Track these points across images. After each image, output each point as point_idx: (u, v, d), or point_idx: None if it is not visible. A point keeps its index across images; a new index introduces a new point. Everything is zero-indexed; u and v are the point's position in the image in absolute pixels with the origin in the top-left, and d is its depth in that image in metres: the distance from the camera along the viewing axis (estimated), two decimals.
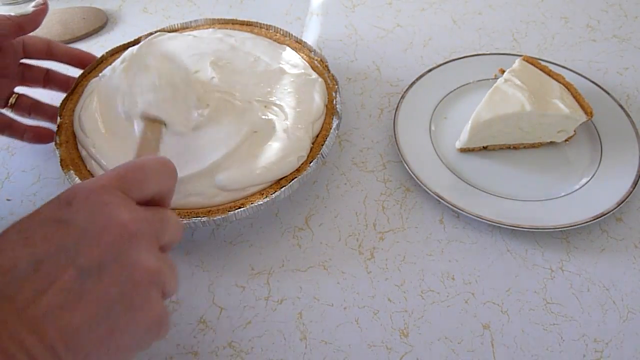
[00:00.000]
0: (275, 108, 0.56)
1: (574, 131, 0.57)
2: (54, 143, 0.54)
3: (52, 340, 0.24)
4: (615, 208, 0.51)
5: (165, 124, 0.49)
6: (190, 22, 0.67)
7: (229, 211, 0.48)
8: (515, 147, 0.58)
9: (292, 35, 0.65)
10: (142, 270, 0.28)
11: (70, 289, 0.25)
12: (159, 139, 0.44)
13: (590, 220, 0.50)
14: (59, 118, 0.57)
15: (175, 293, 0.32)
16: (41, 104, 0.59)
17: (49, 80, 0.59)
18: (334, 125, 0.55)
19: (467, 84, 0.64)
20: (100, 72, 0.61)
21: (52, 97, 0.60)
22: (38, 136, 0.59)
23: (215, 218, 0.47)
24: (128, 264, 0.27)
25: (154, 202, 0.32)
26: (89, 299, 0.25)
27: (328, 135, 0.54)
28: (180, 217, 0.48)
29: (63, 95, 0.58)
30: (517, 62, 0.59)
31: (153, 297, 0.28)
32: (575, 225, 0.50)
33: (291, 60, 0.62)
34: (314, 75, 0.60)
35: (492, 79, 0.64)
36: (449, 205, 0.52)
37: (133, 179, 0.30)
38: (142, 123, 0.47)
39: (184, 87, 0.53)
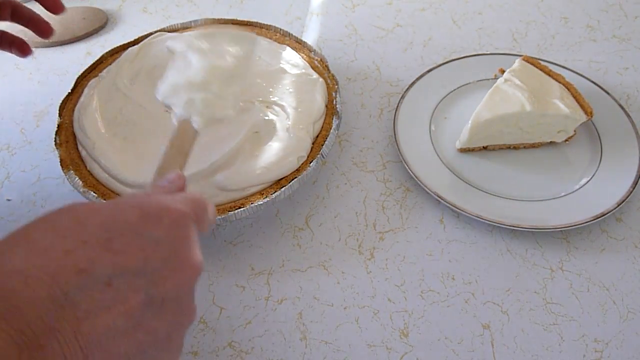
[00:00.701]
0: (276, 108, 0.56)
1: (574, 131, 0.57)
2: (54, 143, 0.54)
3: None
4: (615, 208, 0.51)
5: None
6: (190, 22, 0.67)
7: (229, 211, 0.48)
8: (515, 147, 0.58)
9: (292, 35, 0.65)
10: (190, 314, 0.28)
11: (132, 315, 0.24)
12: (193, 142, 0.41)
13: (590, 220, 0.50)
14: (59, 118, 0.57)
15: None
16: (19, 7, 0.55)
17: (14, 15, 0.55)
18: (334, 125, 0.55)
19: (467, 84, 0.64)
20: (100, 72, 0.61)
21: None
22: (21, 47, 0.56)
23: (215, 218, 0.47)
24: (184, 307, 0.27)
25: None
26: (143, 332, 0.25)
27: (328, 135, 0.54)
28: None
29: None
30: (517, 62, 0.59)
31: (184, 338, 0.29)
32: (575, 225, 0.50)
33: (291, 60, 0.62)
34: (315, 75, 0.60)
35: (492, 79, 0.64)
36: (449, 205, 0.52)
37: (201, 219, 0.31)
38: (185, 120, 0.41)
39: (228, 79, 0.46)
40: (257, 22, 0.67)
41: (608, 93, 0.61)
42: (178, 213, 0.28)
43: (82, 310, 0.23)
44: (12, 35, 0.56)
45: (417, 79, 0.63)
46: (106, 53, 0.64)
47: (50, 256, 0.23)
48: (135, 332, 0.25)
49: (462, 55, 0.67)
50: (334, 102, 0.57)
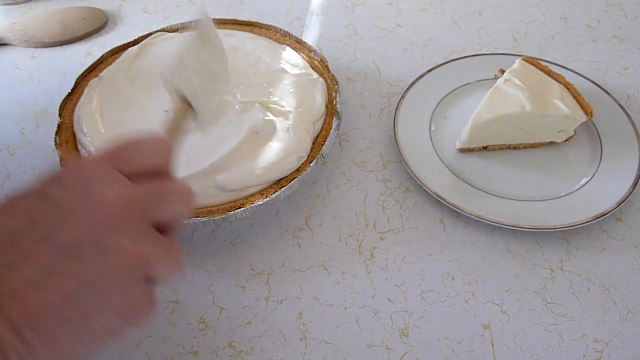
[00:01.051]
0: (277, 108, 0.56)
1: (574, 131, 0.57)
2: (54, 143, 0.55)
3: (17, 319, 0.24)
4: (615, 208, 0.51)
5: (193, 113, 0.40)
6: (191, 22, 0.67)
7: (229, 211, 0.48)
8: (515, 147, 0.58)
9: (292, 35, 0.65)
10: (122, 254, 0.27)
11: (44, 266, 0.25)
12: (183, 126, 0.39)
13: (590, 220, 0.50)
14: (59, 118, 0.57)
15: (178, 276, 0.30)
16: None
17: None
18: (334, 125, 0.55)
19: (467, 84, 0.64)
20: (100, 72, 0.61)
21: None
22: None
23: (215, 218, 0.47)
24: (107, 247, 0.26)
25: (153, 177, 0.31)
26: (61, 279, 0.25)
27: (328, 136, 0.54)
28: None
29: None
30: (517, 62, 0.59)
31: (132, 282, 0.27)
32: (575, 225, 0.50)
33: (292, 60, 0.62)
34: (315, 75, 0.60)
35: (492, 79, 0.64)
36: (449, 205, 0.52)
37: (126, 153, 0.30)
38: (175, 100, 0.40)
39: (221, 80, 0.46)
40: (257, 22, 0.67)
41: (608, 93, 0.61)
42: (75, 163, 0.29)
43: None
44: None
45: (417, 79, 0.63)
46: (106, 53, 0.64)
47: None
48: (51, 280, 0.25)
49: (462, 55, 0.67)
50: (334, 102, 0.57)
